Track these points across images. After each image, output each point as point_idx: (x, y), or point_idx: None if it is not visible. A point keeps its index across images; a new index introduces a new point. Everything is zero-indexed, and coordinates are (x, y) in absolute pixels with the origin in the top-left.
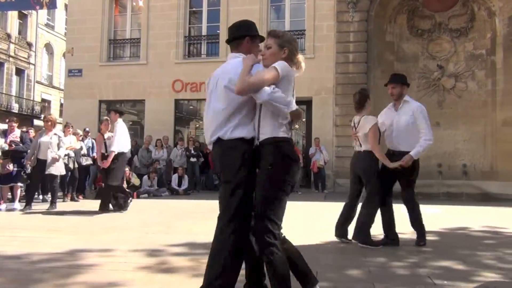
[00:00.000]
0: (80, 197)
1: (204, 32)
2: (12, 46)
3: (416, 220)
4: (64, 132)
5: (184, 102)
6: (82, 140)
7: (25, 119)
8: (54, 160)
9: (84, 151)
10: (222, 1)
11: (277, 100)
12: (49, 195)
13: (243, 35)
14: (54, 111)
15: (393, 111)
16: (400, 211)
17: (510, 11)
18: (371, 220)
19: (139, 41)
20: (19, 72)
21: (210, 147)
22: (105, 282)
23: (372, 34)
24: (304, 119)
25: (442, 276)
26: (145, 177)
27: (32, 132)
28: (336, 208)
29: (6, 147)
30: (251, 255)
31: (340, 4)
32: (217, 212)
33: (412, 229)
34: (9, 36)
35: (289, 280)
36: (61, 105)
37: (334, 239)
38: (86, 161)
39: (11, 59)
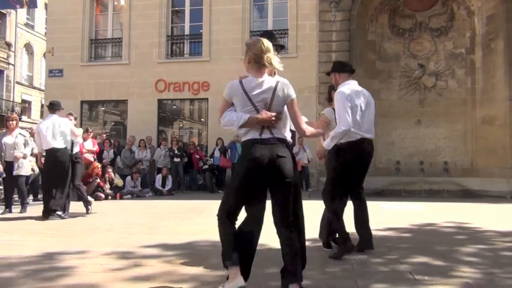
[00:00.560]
0: None
1: (187, 31)
2: None
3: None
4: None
5: (167, 102)
6: None
7: None
8: (19, 159)
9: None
10: (204, 0)
11: (226, 124)
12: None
13: None
14: (35, 112)
15: None
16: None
17: (488, 11)
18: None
19: (121, 41)
20: None
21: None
22: (84, 285)
23: (354, 34)
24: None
25: (422, 271)
26: (128, 177)
27: None
28: (320, 206)
29: None
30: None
31: (322, 3)
32: (200, 211)
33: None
34: None
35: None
36: (42, 106)
37: (316, 237)
38: None
39: None
